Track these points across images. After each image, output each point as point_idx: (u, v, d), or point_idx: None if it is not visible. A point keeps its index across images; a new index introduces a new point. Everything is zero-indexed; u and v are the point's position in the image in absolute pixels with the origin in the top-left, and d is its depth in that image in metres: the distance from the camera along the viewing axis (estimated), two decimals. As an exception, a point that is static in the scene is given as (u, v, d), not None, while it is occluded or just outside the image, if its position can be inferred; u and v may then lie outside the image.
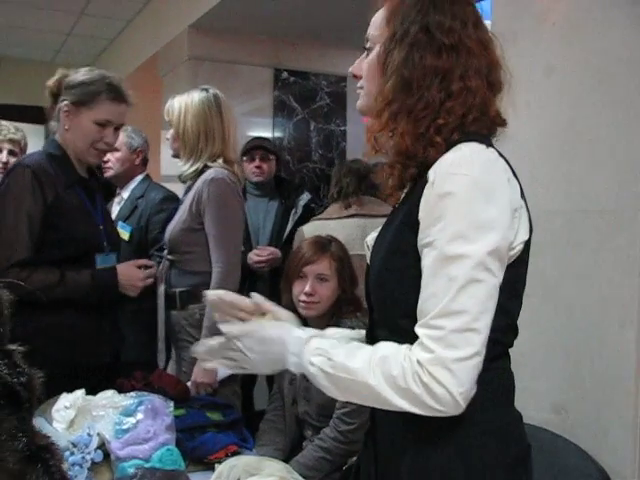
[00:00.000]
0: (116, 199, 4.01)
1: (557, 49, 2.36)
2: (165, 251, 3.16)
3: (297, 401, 2.67)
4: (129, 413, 2.07)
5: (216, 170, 2.93)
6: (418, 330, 1.29)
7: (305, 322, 2.64)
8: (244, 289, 3.08)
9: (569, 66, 2.31)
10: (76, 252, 2.56)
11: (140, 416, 2.06)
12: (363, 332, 1.64)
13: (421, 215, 1.33)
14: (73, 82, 2.57)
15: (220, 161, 2.97)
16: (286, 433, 2.74)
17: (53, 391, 2.07)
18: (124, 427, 2.03)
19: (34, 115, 7.18)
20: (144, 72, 6.44)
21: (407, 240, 1.37)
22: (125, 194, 3.94)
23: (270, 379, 3.87)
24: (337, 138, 5.65)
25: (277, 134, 5.44)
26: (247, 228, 3.90)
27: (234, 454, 2.18)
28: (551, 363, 2.36)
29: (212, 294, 1.58)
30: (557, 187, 2.34)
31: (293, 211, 4.24)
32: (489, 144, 1.39)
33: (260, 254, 3.92)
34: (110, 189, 3.98)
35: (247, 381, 3.32)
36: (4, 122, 3.92)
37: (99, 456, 1.98)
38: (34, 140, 5.05)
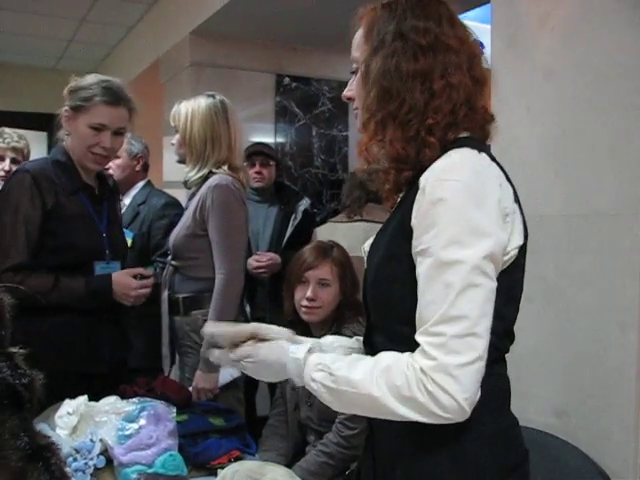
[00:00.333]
0: (118, 205, 4.02)
1: (556, 53, 2.36)
2: (169, 257, 3.17)
3: (300, 406, 2.67)
4: (132, 419, 2.08)
5: (220, 176, 2.93)
6: (419, 338, 1.29)
7: (307, 327, 2.65)
8: (244, 295, 3.09)
9: (568, 70, 2.32)
10: (74, 259, 2.55)
11: (143, 422, 2.06)
12: (361, 339, 1.65)
13: (414, 222, 1.34)
14: (73, 87, 2.57)
15: (225, 167, 2.97)
16: (289, 438, 2.74)
17: (52, 397, 2.07)
18: (127, 433, 2.03)
19: (36, 122, 7.23)
20: (146, 78, 6.45)
21: (401, 247, 1.38)
22: (127, 200, 3.94)
23: (272, 385, 3.87)
24: (339, 143, 5.65)
25: (279, 139, 5.45)
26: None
27: (237, 459, 2.17)
28: (552, 367, 2.36)
29: (212, 329, 1.61)
30: (557, 191, 2.35)
31: (293, 217, 4.23)
32: (482, 149, 1.39)
33: (259, 260, 3.92)
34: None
35: (249, 387, 3.32)
36: (7, 130, 3.92)
37: (102, 462, 1.98)
38: (36, 147, 5.06)
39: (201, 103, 3.01)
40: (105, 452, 2.00)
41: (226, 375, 2.88)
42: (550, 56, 2.39)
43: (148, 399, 2.20)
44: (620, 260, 2.14)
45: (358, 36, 1.52)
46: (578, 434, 2.25)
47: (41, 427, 2.05)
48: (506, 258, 1.36)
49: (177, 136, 3.07)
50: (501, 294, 1.33)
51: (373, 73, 1.43)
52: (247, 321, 3.06)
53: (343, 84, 1.61)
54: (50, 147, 5.81)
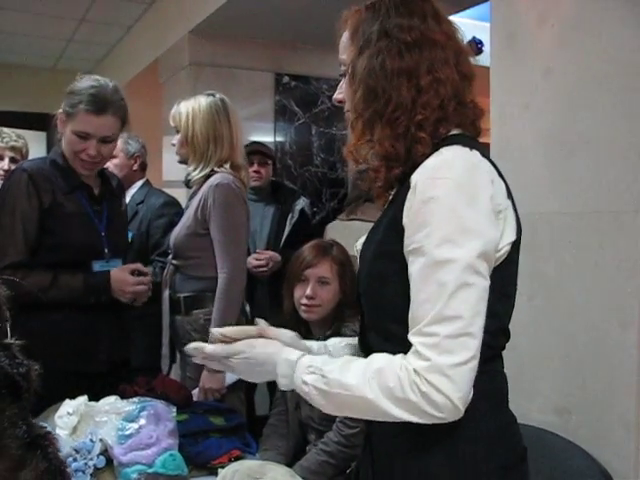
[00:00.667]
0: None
1: (555, 51, 2.36)
2: (169, 256, 3.17)
3: (300, 405, 2.67)
4: (132, 419, 2.07)
5: (222, 175, 2.93)
6: (412, 338, 1.29)
7: (307, 326, 2.64)
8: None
9: (567, 68, 2.31)
10: (72, 257, 2.56)
11: (143, 422, 2.06)
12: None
13: (405, 221, 1.34)
14: (68, 90, 2.57)
15: (227, 166, 2.97)
16: (289, 437, 2.73)
17: (52, 397, 2.07)
18: (127, 433, 2.03)
19: (35, 122, 7.23)
20: (145, 78, 6.45)
21: (393, 245, 1.37)
22: (125, 200, 3.94)
23: (271, 385, 3.87)
24: (339, 142, 5.63)
25: (279, 138, 5.44)
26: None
27: (237, 459, 2.17)
28: (553, 365, 2.36)
29: (216, 332, 1.56)
30: (557, 189, 2.34)
31: (290, 216, 4.25)
32: (473, 146, 1.38)
33: (259, 258, 3.92)
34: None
35: (248, 387, 3.32)
36: (6, 129, 3.92)
37: (102, 462, 1.98)
38: (35, 147, 5.07)
39: (202, 102, 3.01)
40: (105, 452, 2.00)
41: (232, 375, 2.88)
42: (549, 54, 2.38)
43: (148, 399, 2.19)
44: (620, 258, 2.13)
45: (344, 39, 1.52)
46: (579, 432, 2.24)
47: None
48: (498, 255, 1.36)
49: (178, 136, 3.06)
50: (494, 291, 1.33)
51: (359, 73, 1.43)
52: (248, 320, 3.06)
53: (343, 83, 1.61)
54: (49, 147, 5.82)
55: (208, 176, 2.96)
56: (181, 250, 3.01)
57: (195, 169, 3.01)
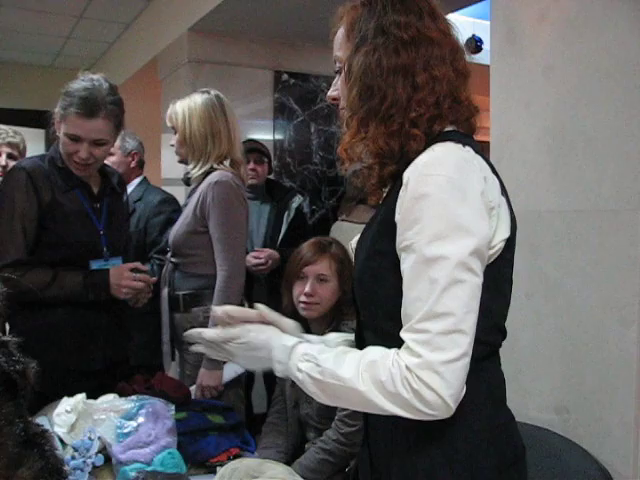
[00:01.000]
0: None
1: (556, 48, 2.35)
2: (168, 254, 3.16)
3: (299, 403, 2.67)
4: (130, 417, 2.07)
5: (221, 173, 2.93)
6: (404, 335, 1.29)
7: (306, 324, 2.64)
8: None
9: (568, 65, 2.31)
10: (70, 255, 2.56)
11: (141, 420, 2.06)
12: None
13: (397, 218, 1.34)
14: (63, 90, 2.55)
15: (227, 163, 2.98)
16: (288, 436, 2.73)
17: (50, 394, 2.07)
18: (125, 431, 2.03)
19: (34, 119, 7.21)
20: (144, 75, 6.44)
21: (386, 243, 1.37)
22: (127, 196, 3.94)
23: (269, 383, 3.87)
24: (338, 140, 5.61)
25: (278, 136, 5.43)
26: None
27: (236, 457, 2.17)
28: (552, 364, 2.36)
29: (219, 310, 1.56)
30: (557, 187, 2.34)
31: (286, 214, 4.26)
32: (466, 143, 1.38)
33: (258, 256, 3.91)
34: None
35: (245, 385, 3.32)
36: (2, 126, 3.92)
37: (100, 460, 1.98)
38: (34, 144, 5.05)
39: (197, 100, 3.01)
40: (104, 450, 2.00)
41: (230, 372, 2.88)
42: (549, 52, 2.38)
43: (147, 397, 2.19)
44: (620, 256, 2.13)
45: (340, 35, 1.51)
46: (578, 430, 2.24)
47: (40, 422, 2.04)
48: (492, 251, 1.36)
49: (176, 136, 3.06)
50: (488, 288, 1.33)
51: (355, 71, 1.43)
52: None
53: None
54: (48, 144, 5.83)
55: (207, 173, 2.96)
56: (180, 248, 3.01)
57: (195, 167, 3.01)
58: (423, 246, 1.27)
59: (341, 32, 1.51)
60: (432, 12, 1.45)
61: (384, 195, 1.50)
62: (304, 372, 1.37)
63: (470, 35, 5.68)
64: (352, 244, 1.60)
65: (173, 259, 3.07)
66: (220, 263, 2.89)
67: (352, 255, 1.58)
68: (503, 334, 1.48)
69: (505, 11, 2.58)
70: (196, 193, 2.97)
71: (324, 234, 3.49)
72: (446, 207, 1.27)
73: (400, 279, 1.33)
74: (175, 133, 3.07)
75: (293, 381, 1.45)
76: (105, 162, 3.56)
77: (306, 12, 4.56)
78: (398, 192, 1.35)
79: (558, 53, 2.35)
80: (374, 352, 1.33)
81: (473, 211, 1.29)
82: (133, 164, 4.06)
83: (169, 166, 5.42)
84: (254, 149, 4.24)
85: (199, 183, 2.99)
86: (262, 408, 3.96)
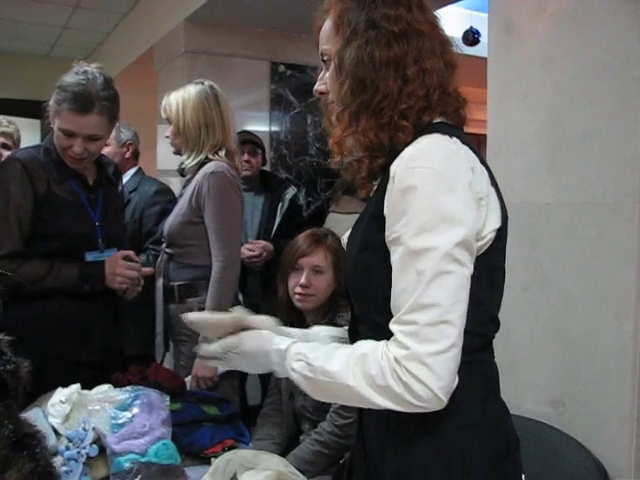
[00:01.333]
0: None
1: (554, 40, 2.35)
2: (163, 244, 3.16)
3: (294, 395, 2.67)
4: (125, 407, 2.07)
5: (216, 163, 2.93)
6: (392, 327, 1.29)
7: (301, 315, 2.64)
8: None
9: (566, 58, 2.30)
10: (65, 247, 2.55)
11: (136, 410, 2.05)
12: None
13: (386, 211, 1.34)
14: (57, 83, 2.53)
15: (222, 153, 2.98)
16: (283, 427, 2.73)
17: (44, 384, 2.06)
18: (120, 421, 2.02)
19: (30, 109, 7.18)
20: (140, 66, 6.42)
21: (376, 236, 1.37)
22: (122, 186, 3.93)
23: (263, 375, 3.87)
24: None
25: (274, 128, 5.42)
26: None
27: (230, 448, 2.17)
28: (548, 356, 2.36)
29: (192, 316, 1.61)
30: (554, 179, 2.34)
31: (280, 205, 4.27)
32: (453, 134, 1.38)
33: (252, 248, 3.91)
34: None
35: (240, 377, 3.32)
36: None
37: (95, 451, 1.97)
38: (30, 134, 5.04)
39: (191, 91, 3.02)
40: (98, 441, 1.99)
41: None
42: (548, 44, 2.37)
43: (141, 387, 2.18)
44: (617, 249, 2.13)
45: (327, 27, 1.50)
46: (573, 424, 2.25)
47: (34, 413, 2.04)
48: (482, 242, 1.35)
49: (171, 127, 3.06)
50: (480, 279, 1.33)
51: (347, 64, 1.42)
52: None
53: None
54: (43, 134, 5.80)
55: (202, 164, 2.96)
56: (175, 238, 3.01)
57: (189, 157, 3.01)
58: (410, 238, 1.27)
59: (328, 25, 1.50)
60: (420, 4, 1.46)
61: (374, 188, 1.49)
62: (297, 372, 1.38)
63: (468, 27, 5.67)
64: (344, 239, 1.60)
65: (168, 250, 3.07)
66: (215, 254, 2.89)
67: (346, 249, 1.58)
68: (496, 325, 1.48)
69: (503, 3, 2.57)
70: (191, 184, 2.97)
71: (320, 226, 3.49)
72: (432, 199, 1.27)
73: (391, 272, 1.33)
74: (170, 124, 3.07)
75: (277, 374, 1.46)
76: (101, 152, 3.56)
77: (303, 3, 4.53)
78: (386, 185, 1.35)
79: (556, 45, 2.34)
80: (364, 346, 1.33)
81: (460, 202, 1.29)
82: (128, 155, 4.05)
83: (165, 157, 5.40)
84: (248, 140, 4.25)
85: (194, 174, 2.99)
86: (257, 400, 3.96)
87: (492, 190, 1.41)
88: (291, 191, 4.38)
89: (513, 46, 2.51)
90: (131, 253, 2.70)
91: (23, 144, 3.83)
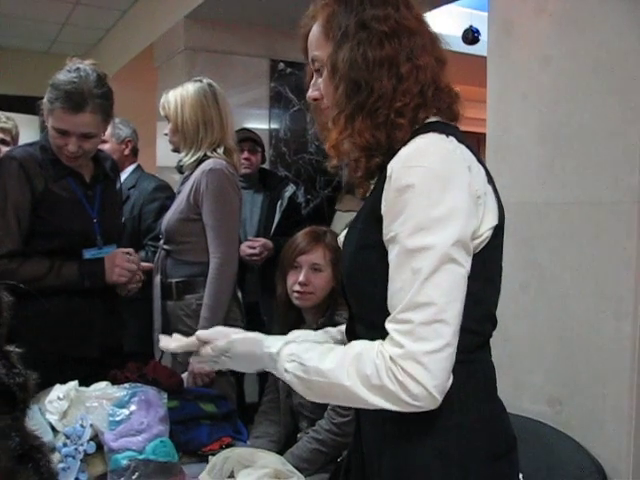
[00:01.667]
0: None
1: (554, 40, 2.35)
2: (161, 241, 3.16)
3: (292, 393, 2.66)
4: (122, 405, 2.06)
5: (214, 161, 2.94)
6: (388, 325, 1.29)
7: (300, 313, 2.64)
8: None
9: (566, 57, 2.30)
10: (64, 244, 2.54)
11: (133, 407, 2.05)
12: (342, 329, 1.66)
13: (383, 210, 1.34)
14: (50, 81, 2.52)
15: (220, 150, 2.99)
16: (281, 425, 2.73)
17: (43, 381, 2.06)
18: (117, 419, 2.02)
19: (29, 106, 7.17)
20: (140, 62, 6.41)
21: (373, 235, 1.37)
22: (120, 181, 3.92)
23: (261, 373, 3.87)
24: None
25: (273, 125, 5.42)
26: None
27: (228, 446, 2.17)
28: (546, 356, 2.36)
29: (162, 346, 1.72)
30: (553, 179, 2.34)
31: (279, 203, 4.27)
32: (449, 133, 1.38)
33: (252, 246, 3.91)
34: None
35: (238, 374, 3.32)
36: None
37: (92, 447, 1.97)
38: (29, 131, 5.03)
39: (189, 89, 3.03)
40: (95, 438, 1.99)
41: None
42: (547, 43, 2.37)
43: (139, 385, 2.18)
44: (616, 249, 2.13)
45: (316, 33, 1.51)
46: (571, 423, 2.25)
47: (32, 410, 2.04)
48: (479, 240, 1.35)
49: (169, 125, 3.07)
50: (478, 277, 1.33)
51: (340, 67, 1.42)
52: (240, 307, 3.06)
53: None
54: (42, 131, 5.83)
55: (200, 161, 2.97)
56: (173, 235, 3.01)
57: (187, 154, 3.02)
58: (406, 237, 1.27)
59: (317, 31, 1.50)
60: (407, 2, 1.46)
61: (371, 188, 1.49)
62: (291, 373, 1.39)
63: (467, 26, 5.66)
64: (341, 237, 1.59)
65: (165, 246, 3.07)
66: (213, 250, 2.90)
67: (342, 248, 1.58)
68: (494, 323, 1.48)
69: (503, 3, 2.57)
70: (189, 180, 2.97)
71: (319, 224, 3.49)
72: (429, 198, 1.27)
73: (388, 272, 1.33)
74: (168, 122, 3.08)
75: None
76: (99, 147, 3.55)
77: (302, 1, 4.54)
78: (383, 185, 1.35)
79: (555, 45, 2.34)
80: (359, 345, 1.33)
81: (456, 201, 1.29)
82: (127, 151, 4.04)
83: (164, 154, 5.40)
84: (247, 138, 4.24)
85: (192, 171, 2.99)
86: (254, 397, 3.96)
87: (489, 188, 1.41)
88: (290, 189, 4.38)
89: (513, 45, 2.50)
90: (131, 251, 2.71)
91: (22, 140, 3.82)
